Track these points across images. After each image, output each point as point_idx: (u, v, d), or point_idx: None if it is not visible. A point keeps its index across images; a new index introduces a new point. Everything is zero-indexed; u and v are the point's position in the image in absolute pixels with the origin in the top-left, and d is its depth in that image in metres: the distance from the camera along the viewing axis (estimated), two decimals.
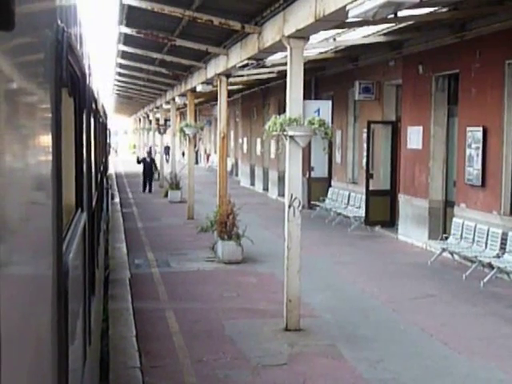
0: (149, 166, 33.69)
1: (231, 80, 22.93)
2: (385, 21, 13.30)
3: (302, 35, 10.17)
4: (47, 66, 2.36)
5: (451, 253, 15.31)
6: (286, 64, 10.99)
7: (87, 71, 5.22)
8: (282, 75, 19.90)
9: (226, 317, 11.24)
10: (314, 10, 8.98)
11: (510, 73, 14.19)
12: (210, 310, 11.66)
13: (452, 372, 8.75)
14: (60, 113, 2.66)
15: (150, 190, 33.37)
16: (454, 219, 15.85)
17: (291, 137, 10.36)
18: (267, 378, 8.52)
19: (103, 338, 9.65)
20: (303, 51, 10.58)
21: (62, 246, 2.67)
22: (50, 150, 2.39)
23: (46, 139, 2.34)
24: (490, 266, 13.57)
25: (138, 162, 35.78)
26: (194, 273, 14.84)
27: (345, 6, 7.59)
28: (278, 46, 11.70)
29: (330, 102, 11.07)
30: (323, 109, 10.61)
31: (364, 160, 21.42)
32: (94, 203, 6.45)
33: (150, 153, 36.38)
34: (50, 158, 2.38)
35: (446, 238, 15.84)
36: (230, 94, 36.19)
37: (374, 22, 12.10)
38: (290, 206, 10.56)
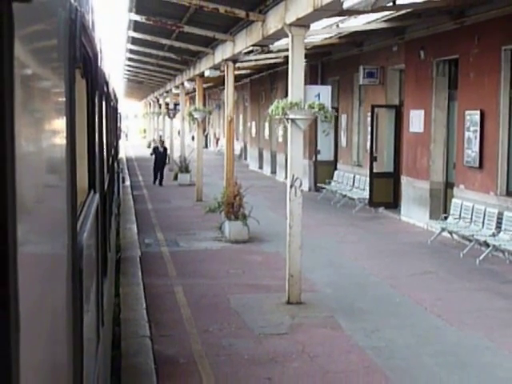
0: (161, 156, 30.78)
1: (240, 65, 23.47)
2: (383, 9, 13.79)
3: (303, 23, 10.71)
4: (61, 45, 2.30)
5: (450, 232, 15.86)
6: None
7: (99, 53, 5.11)
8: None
9: (232, 291, 11.85)
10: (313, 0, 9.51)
11: (506, 58, 14.67)
12: (217, 286, 12.26)
13: (442, 340, 9.32)
14: (74, 93, 2.60)
15: (160, 183, 30.36)
16: (454, 200, 16.39)
17: (292, 120, 10.92)
18: (269, 345, 9.12)
19: (115, 322, 10.06)
20: (304, 38, 11.11)
21: (76, 224, 2.69)
22: (64, 130, 2.36)
23: (60, 120, 2.30)
24: (486, 245, 14.10)
25: (152, 153, 32.20)
26: (201, 251, 15.44)
27: None
28: (280, 34, 12.25)
29: (329, 87, 11.60)
30: (323, 93, 11.14)
31: (368, 143, 21.94)
32: (105, 186, 6.47)
33: (163, 141, 33.32)
34: (64, 138, 2.34)
35: (446, 218, 16.39)
36: (239, 78, 36.76)
37: (374, 10, 12.57)
38: (291, 186, 11.13)
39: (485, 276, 12.97)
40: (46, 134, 1.95)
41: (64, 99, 2.36)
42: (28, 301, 1.51)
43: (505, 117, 14.83)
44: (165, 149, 31.97)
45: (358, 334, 9.56)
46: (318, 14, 9.86)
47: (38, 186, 1.78)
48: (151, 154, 32.23)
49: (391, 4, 12.79)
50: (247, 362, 8.52)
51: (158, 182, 30.63)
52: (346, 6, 8.02)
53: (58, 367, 2.09)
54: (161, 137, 34.18)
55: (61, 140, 2.28)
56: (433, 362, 8.54)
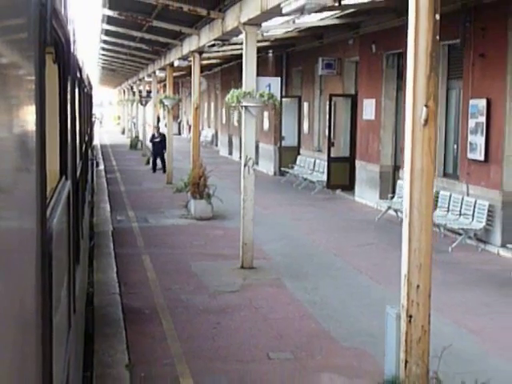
0: (159, 142, 29.36)
1: (211, 55, 24.95)
2: (329, 9, 15.33)
3: (254, 23, 12.24)
4: (30, 28, 2.25)
5: (395, 210, 17.48)
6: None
7: (72, 38, 5.01)
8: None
9: (193, 259, 13.39)
10: (260, 3, 11.05)
11: (443, 52, 16.27)
12: (180, 254, 13.80)
13: (370, 296, 10.96)
14: (44, 76, 2.56)
15: (164, 170, 28.43)
16: (399, 181, 18.02)
17: (246, 107, 12.46)
18: (221, 300, 10.69)
19: (90, 285, 11.12)
20: (256, 36, 12.66)
21: (46, 210, 2.67)
22: (34, 115, 2.31)
23: (30, 104, 2.24)
24: None
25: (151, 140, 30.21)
26: (168, 227, 16.96)
27: (279, 4, 9.68)
28: (237, 31, 13.76)
29: (279, 79, 13.18)
30: (273, 84, 12.69)
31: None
32: (78, 173, 6.39)
33: (158, 128, 31.18)
34: (33, 124, 2.29)
35: (392, 198, 18.03)
36: (211, 67, 38.17)
37: (321, 10, 14.08)
38: (245, 165, 12.67)
39: None
40: (13, 119, 1.92)
41: (33, 83, 2.30)
42: None
43: (442, 104, 16.46)
44: (161, 134, 29.70)
45: (298, 292, 11.15)
46: (266, 15, 11.40)
47: (4, 170, 1.74)
48: (151, 141, 30.35)
49: (337, 4, 14.27)
50: (201, 312, 10.08)
51: (160, 169, 29.28)
52: (284, 11, 9.55)
53: (26, 355, 2.05)
54: (158, 128, 31.42)
55: (30, 125, 2.22)
56: (358, 312, 10.15)
